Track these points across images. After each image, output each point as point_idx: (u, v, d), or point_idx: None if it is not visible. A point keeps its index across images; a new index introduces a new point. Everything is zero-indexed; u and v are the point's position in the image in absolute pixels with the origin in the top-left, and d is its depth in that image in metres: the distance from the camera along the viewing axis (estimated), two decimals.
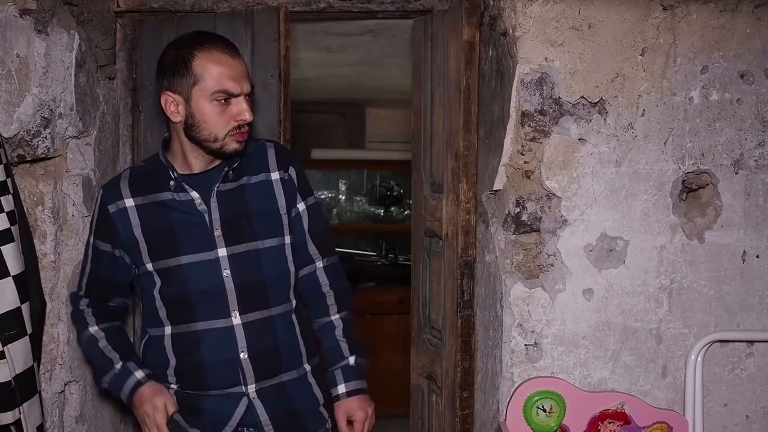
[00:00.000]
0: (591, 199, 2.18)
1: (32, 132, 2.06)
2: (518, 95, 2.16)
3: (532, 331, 2.20)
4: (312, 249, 2.05)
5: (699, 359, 2.19)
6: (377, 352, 4.85)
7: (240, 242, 1.92)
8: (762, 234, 2.22)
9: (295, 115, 2.84)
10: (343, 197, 6.23)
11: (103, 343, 1.95)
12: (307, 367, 2.03)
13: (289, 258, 2.00)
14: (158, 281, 1.94)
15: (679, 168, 2.19)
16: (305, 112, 5.54)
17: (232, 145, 1.87)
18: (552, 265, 2.19)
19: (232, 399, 1.92)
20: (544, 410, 2.14)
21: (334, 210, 6.12)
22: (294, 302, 2.02)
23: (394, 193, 6.12)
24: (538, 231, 2.19)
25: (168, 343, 1.95)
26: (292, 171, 2.02)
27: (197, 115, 1.84)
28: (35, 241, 2.10)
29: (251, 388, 1.92)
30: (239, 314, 1.91)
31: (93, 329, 1.97)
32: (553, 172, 2.17)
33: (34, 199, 2.15)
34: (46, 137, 2.11)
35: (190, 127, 1.87)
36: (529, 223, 2.19)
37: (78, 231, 2.30)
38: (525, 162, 2.18)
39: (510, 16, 2.16)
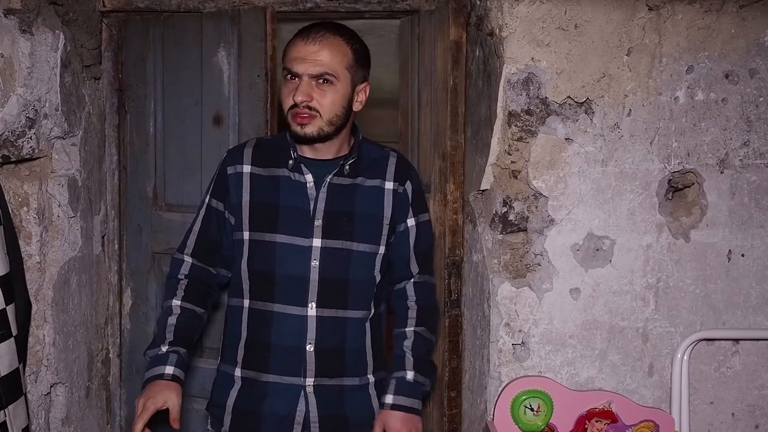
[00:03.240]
0: (578, 198, 2.19)
1: (17, 132, 2.04)
2: (505, 95, 2.16)
3: (520, 331, 2.20)
4: (413, 265, 2.05)
5: (685, 358, 2.21)
6: None
7: (336, 238, 1.93)
8: (747, 233, 2.23)
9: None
10: None
11: (172, 320, 1.93)
12: (371, 378, 2.01)
13: (377, 267, 1.99)
14: (248, 252, 1.95)
15: (665, 167, 2.20)
16: None
17: (293, 126, 1.89)
18: (539, 265, 2.19)
19: (290, 394, 1.92)
20: (532, 409, 2.15)
21: None
22: (372, 311, 2.00)
23: None
24: (525, 230, 2.20)
25: (244, 316, 1.96)
26: (408, 186, 2.03)
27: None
28: (20, 242, 2.09)
29: (309, 381, 1.92)
30: (315, 306, 1.91)
31: (175, 302, 1.95)
32: (539, 171, 2.18)
33: (19, 200, 2.14)
34: (31, 138, 2.10)
35: None
36: (516, 222, 2.19)
37: (64, 232, 2.29)
38: (512, 162, 2.18)
39: (496, 16, 2.16)
